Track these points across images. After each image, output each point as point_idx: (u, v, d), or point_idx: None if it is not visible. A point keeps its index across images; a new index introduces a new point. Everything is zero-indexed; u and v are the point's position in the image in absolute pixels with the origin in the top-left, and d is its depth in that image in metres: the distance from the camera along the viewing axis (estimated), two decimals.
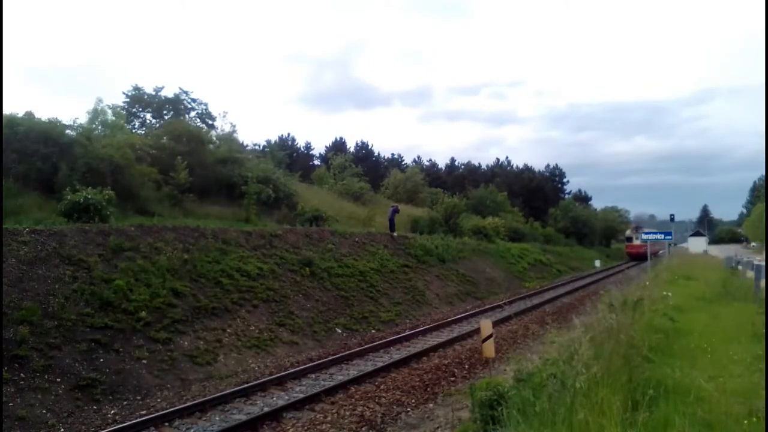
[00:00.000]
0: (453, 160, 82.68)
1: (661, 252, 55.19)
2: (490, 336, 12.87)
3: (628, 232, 62.85)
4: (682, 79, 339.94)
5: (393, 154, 78.33)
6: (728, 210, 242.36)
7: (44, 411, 9.03)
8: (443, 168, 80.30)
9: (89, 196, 15.35)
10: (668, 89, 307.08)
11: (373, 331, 17.17)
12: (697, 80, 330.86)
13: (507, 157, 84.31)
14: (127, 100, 31.18)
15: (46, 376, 9.68)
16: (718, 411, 5.25)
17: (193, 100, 32.47)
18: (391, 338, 15.50)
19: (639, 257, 53.09)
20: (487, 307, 21.96)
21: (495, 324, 13.29)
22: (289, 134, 71.16)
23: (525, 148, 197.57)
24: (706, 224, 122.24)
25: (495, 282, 29.03)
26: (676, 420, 4.88)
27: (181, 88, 32.44)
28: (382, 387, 10.88)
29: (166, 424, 8.93)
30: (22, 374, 9.46)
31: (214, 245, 16.47)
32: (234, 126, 46.56)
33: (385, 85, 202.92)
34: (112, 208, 16.10)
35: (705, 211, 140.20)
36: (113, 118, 24.20)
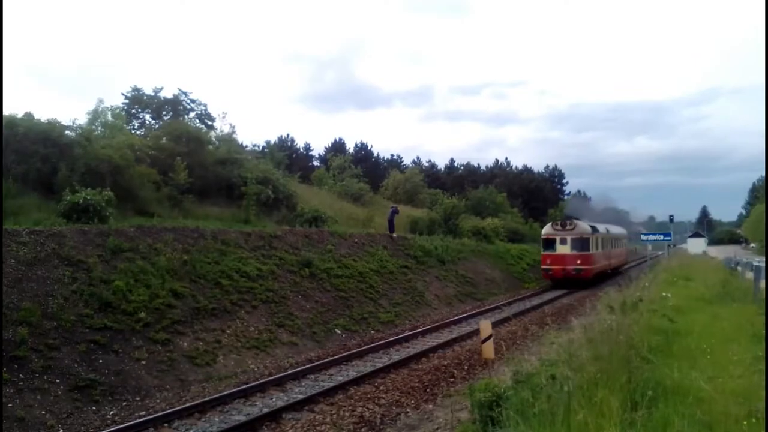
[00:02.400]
0: (452, 160, 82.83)
1: (629, 264, 40.10)
2: (489, 337, 12.91)
3: (546, 230, 31.11)
4: (685, 79, 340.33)
5: (392, 155, 78.53)
6: (727, 211, 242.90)
7: (43, 412, 9.03)
8: (443, 169, 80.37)
9: (88, 197, 15.34)
10: (670, 89, 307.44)
11: (372, 331, 17.17)
12: (699, 80, 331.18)
13: (506, 158, 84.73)
14: (126, 101, 31.19)
15: (45, 377, 9.67)
16: (717, 412, 5.25)
17: (193, 101, 32.46)
18: (391, 339, 15.51)
19: (571, 279, 28.94)
20: (487, 308, 21.97)
21: (494, 325, 13.31)
22: (288, 135, 71.18)
23: (526, 149, 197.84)
24: (705, 225, 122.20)
25: (494, 283, 29.04)
26: (676, 421, 4.88)
27: (180, 89, 32.37)
28: (381, 388, 10.89)
29: (166, 425, 8.94)
30: (21, 375, 9.45)
31: (213, 246, 16.46)
32: (233, 126, 46.65)
33: (386, 86, 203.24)
34: (112, 208, 16.08)
35: (704, 212, 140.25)
36: (112, 119, 24.20)
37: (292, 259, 18.52)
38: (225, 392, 10.41)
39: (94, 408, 9.62)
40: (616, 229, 39.84)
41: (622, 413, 4.87)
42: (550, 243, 30.27)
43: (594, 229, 31.13)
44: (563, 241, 29.77)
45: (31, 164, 16.98)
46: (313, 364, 12.68)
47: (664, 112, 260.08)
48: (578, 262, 28.95)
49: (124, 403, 9.99)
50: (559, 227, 30.51)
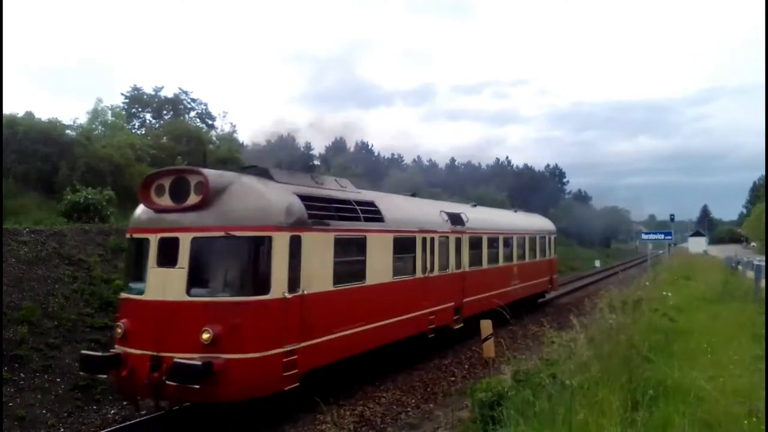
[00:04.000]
0: (453, 160, 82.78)
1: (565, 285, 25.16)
2: (489, 336, 12.88)
3: (137, 217, 9.21)
4: (687, 79, 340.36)
5: (393, 154, 78.40)
6: (728, 210, 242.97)
7: (44, 411, 9.03)
8: (443, 168, 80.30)
9: (89, 196, 15.35)
10: (672, 89, 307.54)
11: None
12: (701, 80, 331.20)
13: (507, 157, 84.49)
14: (127, 100, 31.21)
15: (45, 376, 9.67)
16: (717, 411, 5.25)
17: (193, 100, 32.56)
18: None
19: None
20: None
21: (494, 324, 13.27)
22: (289, 134, 71.08)
23: (527, 148, 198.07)
24: (706, 224, 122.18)
25: None
26: (676, 420, 4.88)
27: (180, 88, 32.48)
28: (382, 387, 10.87)
29: None
30: (21, 374, 9.45)
31: None
32: (234, 126, 46.65)
33: (387, 85, 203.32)
34: (112, 208, 16.10)
35: (705, 211, 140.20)
36: (113, 118, 24.24)
37: None
38: None
39: (94, 407, 9.61)
40: (513, 218, 20.34)
41: (622, 412, 4.88)
42: (137, 258, 8.87)
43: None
44: (165, 257, 8.04)
45: (32, 163, 17.01)
46: None
47: (665, 112, 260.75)
48: (217, 330, 7.40)
49: (125, 403, 9.98)
50: (166, 198, 8.95)
